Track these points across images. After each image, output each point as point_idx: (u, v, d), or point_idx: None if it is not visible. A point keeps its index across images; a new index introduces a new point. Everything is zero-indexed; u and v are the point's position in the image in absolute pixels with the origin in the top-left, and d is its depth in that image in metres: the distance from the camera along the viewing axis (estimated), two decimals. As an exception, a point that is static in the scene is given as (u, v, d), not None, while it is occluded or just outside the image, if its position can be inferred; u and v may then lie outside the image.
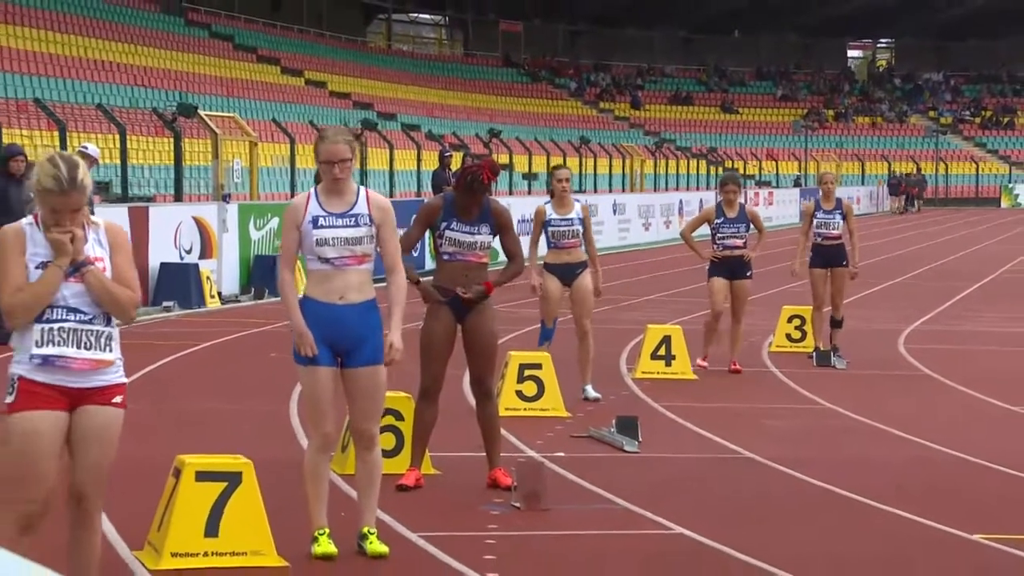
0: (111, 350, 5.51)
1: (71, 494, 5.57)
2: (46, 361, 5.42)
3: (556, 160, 40.50)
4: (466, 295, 8.61)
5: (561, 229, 12.19)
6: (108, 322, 5.52)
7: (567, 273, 12.25)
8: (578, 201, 12.41)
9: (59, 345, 5.42)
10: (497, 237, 8.81)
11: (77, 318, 5.45)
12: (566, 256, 12.23)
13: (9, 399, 5.43)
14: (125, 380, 5.60)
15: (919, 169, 71.99)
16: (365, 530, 7.13)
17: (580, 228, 12.18)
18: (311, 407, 7.23)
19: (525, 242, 9.55)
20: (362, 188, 7.22)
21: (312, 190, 7.21)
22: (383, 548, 7.07)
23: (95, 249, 5.53)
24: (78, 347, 5.44)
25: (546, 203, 12.29)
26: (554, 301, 12.34)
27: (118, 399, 5.54)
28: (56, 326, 5.42)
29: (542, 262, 12.27)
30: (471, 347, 8.75)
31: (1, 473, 5.48)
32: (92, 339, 5.46)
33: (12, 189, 15.46)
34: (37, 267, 5.45)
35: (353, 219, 7.04)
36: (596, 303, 12.64)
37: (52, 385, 5.43)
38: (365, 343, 7.09)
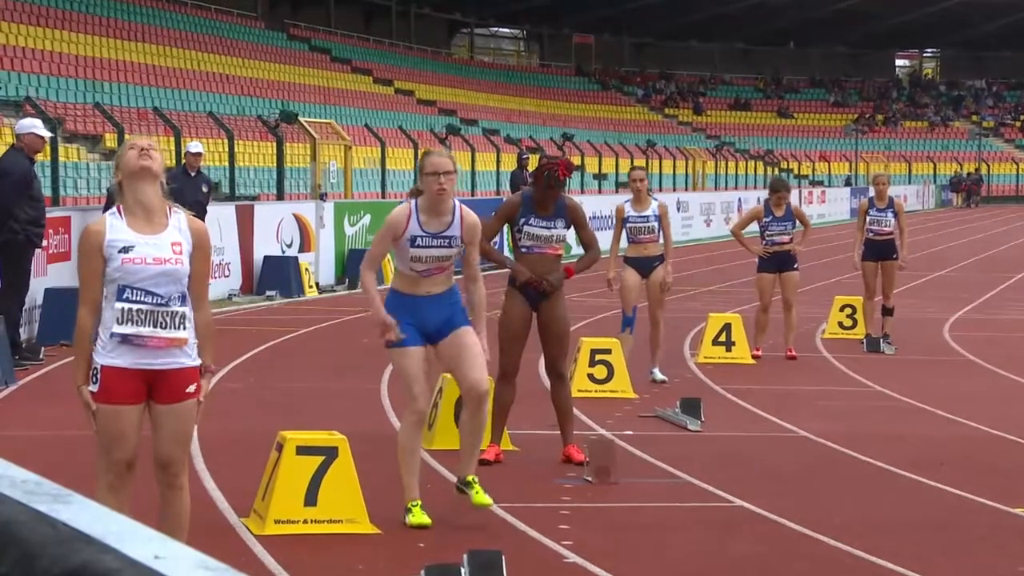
0: (185, 328, 5.47)
1: (156, 463, 5.60)
2: (125, 340, 5.40)
3: (624, 161, 40.57)
4: (547, 286, 8.60)
5: (638, 225, 12.13)
6: (183, 302, 5.48)
7: (644, 265, 12.17)
8: (655, 199, 12.32)
9: (137, 324, 5.40)
10: (573, 230, 8.81)
11: (154, 300, 5.41)
12: (643, 250, 12.18)
13: (93, 388, 5.45)
14: (198, 362, 5.54)
15: (977, 170, 71.57)
16: (470, 478, 7.06)
17: (656, 225, 12.11)
18: (404, 385, 7.19)
19: (598, 236, 9.52)
20: (458, 205, 7.11)
21: (413, 205, 7.07)
22: (487, 500, 7.01)
23: (174, 234, 5.48)
24: (154, 326, 5.41)
25: (626, 202, 12.24)
26: (632, 291, 12.24)
27: (191, 388, 5.50)
28: (135, 307, 5.40)
29: (622, 255, 12.22)
30: (545, 333, 8.71)
31: (95, 447, 5.56)
32: (167, 319, 5.42)
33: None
34: (120, 251, 5.42)
35: (447, 240, 7.02)
36: (664, 293, 12.49)
37: (131, 370, 5.41)
38: (449, 319, 7.11)
